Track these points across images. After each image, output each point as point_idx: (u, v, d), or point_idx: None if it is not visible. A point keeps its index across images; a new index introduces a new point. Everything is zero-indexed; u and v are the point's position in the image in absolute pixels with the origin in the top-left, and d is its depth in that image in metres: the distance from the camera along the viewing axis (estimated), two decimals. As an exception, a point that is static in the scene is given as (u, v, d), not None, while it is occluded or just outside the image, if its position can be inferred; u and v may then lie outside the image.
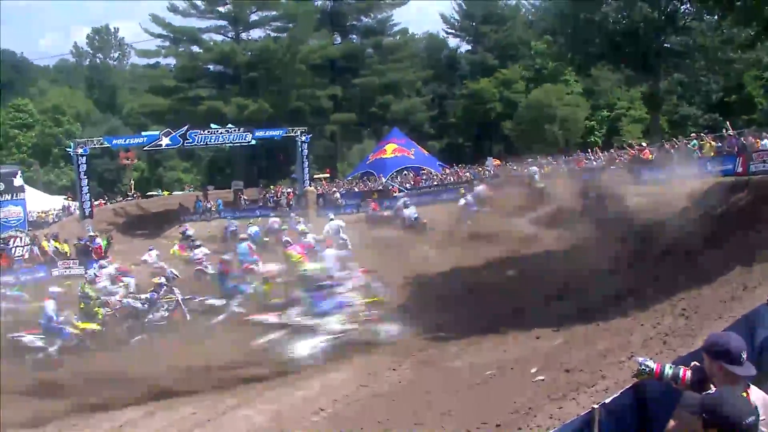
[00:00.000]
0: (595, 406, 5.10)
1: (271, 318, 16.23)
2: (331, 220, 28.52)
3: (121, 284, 21.64)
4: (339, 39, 70.72)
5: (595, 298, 14.64)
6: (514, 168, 45.83)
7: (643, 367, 4.75)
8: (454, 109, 75.83)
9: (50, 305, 17.74)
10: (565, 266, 17.62)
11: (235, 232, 32.94)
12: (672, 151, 32.37)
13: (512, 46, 74.53)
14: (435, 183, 47.49)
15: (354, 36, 72.04)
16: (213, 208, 49.41)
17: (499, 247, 22.59)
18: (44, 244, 33.91)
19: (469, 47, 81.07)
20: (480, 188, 32.03)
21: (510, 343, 13.41)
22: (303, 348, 14.71)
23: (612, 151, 44.19)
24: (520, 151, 55.03)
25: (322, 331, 15.21)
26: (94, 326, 18.35)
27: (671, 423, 4.61)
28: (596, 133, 65.53)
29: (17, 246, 32.03)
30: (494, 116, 69.24)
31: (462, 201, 31.02)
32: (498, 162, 52.34)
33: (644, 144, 37.22)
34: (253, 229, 31.56)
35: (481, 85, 70.17)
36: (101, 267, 23.97)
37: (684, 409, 4.50)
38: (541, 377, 10.84)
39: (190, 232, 33.60)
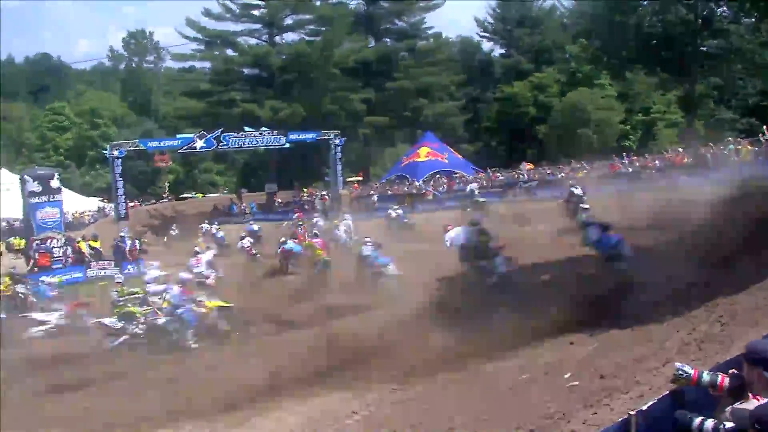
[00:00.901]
0: (632, 412, 5.07)
1: None
2: (345, 220, 32.22)
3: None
4: (373, 42, 70.86)
5: (629, 304, 14.52)
6: (547, 172, 45.67)
7: (680, 372, 4.73)
8: (487, 112, 75.71)
9: (175, 289, 19.02)
10: (598, 272, 17.49)
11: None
12: (708, 155, 32.07)
13: (546, 50, 74.26)
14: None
15: (388, 39, 72.17)
16: (246, 211, 49.72)
17: (530, 252, 22.49)
18: (81, 244, 34.36)
19: (502, 51, 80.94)
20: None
21: (543, 348, 13.33)
22: None
23: (646, 155, 43.86)
24: (554, 156, 54.81)
25: None
26: (223, 303, 19.29)
27: None
28: (631, 137, 64.97)
29: (54, 247, 32.44)
30: (528, 120, 68.96)
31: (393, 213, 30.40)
32: (531, 166, 52.15)
33: (680, 149, 36.92)
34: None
35: (515, 89, 69.96)
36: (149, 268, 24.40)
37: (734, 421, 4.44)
38: (575, 382, 10.77)
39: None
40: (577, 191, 28.41)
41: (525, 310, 15.38)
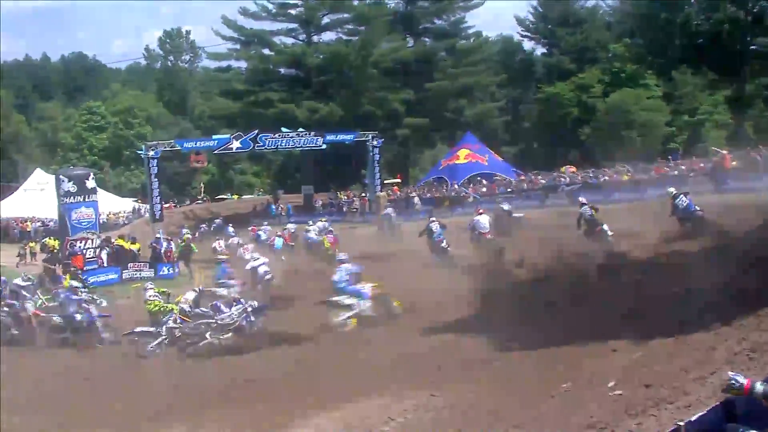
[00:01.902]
0: (681, 422, 5.02)
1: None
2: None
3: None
4: (412, 42, 70.84)
5: (675, 312, 14.36)
6: (590, 175, 45.31)
7: (732, 381, 4.67)
8: (528, 113, 75.38)
9: (344, 269, 20.09)
10: (644, 278, 17.35)
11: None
12: (758, 158, 31.61)
13: (589, 49, 73.68)
14: (509, 190, 47.13)
15: (427, 39, 72.14)
16: (282, 213, 50.01)
17: (575, 259, 22.37)
18: (124, 243, 34.67)
19: (544, 50, 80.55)
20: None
21: (586, 355, 13.23)
22: None
23: (693, 158, 43.35)
24: (597, 158, 54.37)
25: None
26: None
27: None
28: (677, 139, 64.18)
29: (88, 248, 32.75)
30: (570, 121, 68.43)
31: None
32: (574, 168, 51.80)
33: (726, 151, 36.44)
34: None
35: (557, 90, 69.48)
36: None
37: None
38: (619, 391, 10.66)
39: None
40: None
41: (567, 317, 15.31)
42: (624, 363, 12.25)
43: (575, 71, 71.27)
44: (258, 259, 26.71)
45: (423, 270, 26.16)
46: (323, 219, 39.73)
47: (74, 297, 21.75)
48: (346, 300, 19.49)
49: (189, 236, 35.72)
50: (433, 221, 27.61)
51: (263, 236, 36.51)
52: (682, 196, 23.53)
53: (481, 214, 29.22)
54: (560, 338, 14.24)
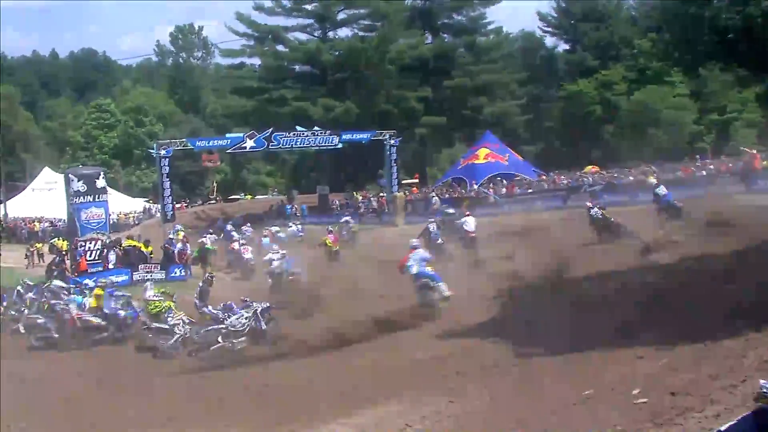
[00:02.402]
0: (709, 432, 4.99)
1: None
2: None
3: None
4: (430, 38, 70.86)
5: (703, 317, 14.26)
6: (614, 175, 45.13)
7: (764, 390, 4.64)
8: (550, 112, 75.21)
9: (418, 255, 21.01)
10: (671, 281, 17.27)
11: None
12: (790, 157, 31.43)
13: (614, 45, 73.48)
14: (530, 190, 47.00)
15: (446, 35, 72.16)
16: (297, 213, 50.05)
17: (598, 260, 22.33)
18: (134, 243, 34.78)
19: (567, 47, 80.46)
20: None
21: (610, 361, 13.14)
22: None
23: (722, 157, 43.10)
24: (621, 157, 54.15)
25: None
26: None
27: None
28: (705, 138, 63.85)
29: (96, 249, 32.75)
30: (593, 120, 68.30)
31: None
32: (597, 168, 51.62)
33: (756, 150, 36.22)
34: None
35: (579, 87, 69.38)
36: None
37: None
38: (644, 399, 10.59)
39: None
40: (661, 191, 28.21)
41: (590, 322, 15.25)
42: (649, 370, 12.18)
43: (599, 68, 71.11)
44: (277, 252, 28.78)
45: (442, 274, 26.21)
46: (298, 223, 43.60)
47: (115, 293, 22.30)
48: (431, 283, 20.27)
49: (207, 239, 36.03)
50: (432, 222, 30.62)
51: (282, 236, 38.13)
52: (662, 186, 26.03)
53: (468, 215, 31.65)
54: (583, 343, 14.18)
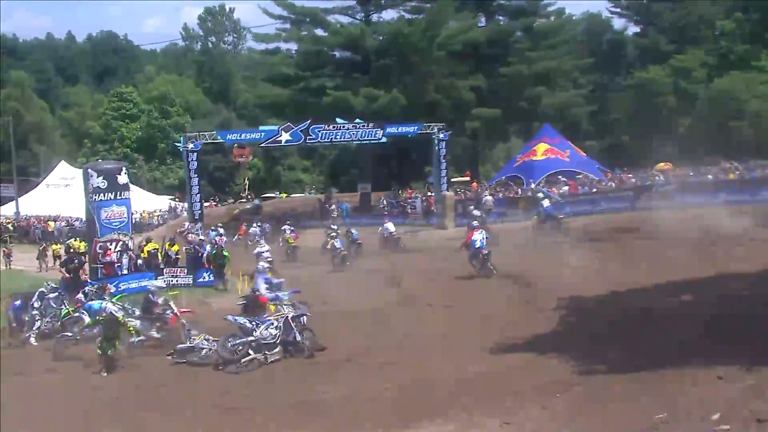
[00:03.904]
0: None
1: None
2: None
3: None
4: (484, 21, 70.50)
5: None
6: (689, 174, 44.67)
7: None
8: (617, 102, 74.61)
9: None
10: (756, 293, 17.11)
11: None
12: None
13: (692, 27, 72.64)
14: (594, 190, 46.70)
15: (501, 17, 71.70)
16: (336, 214, 50.21)
17: (669, 269, 22.20)
18: (154, 246, 35.05)
19: (637, 29, 79.80)
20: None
21: (685, 382, 13.02)
22: None
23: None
24: (697, 154, 53.54)
25: None
26: None
27: None
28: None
29: (118, 251, 32.98)
30: (667, 111, 67.62)
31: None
32: (670, 166, 51.09)
33: None
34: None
35: (651, 74, 68.78)
36: None
37: None
38: (726, 426, 10.48)
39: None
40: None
41: (660, 337, 15.16)
42: (731, 393, 12.03)
43: (674, 53, 70.31)
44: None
45: (492, 282, 26.26)
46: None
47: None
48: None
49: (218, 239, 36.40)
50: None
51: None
52: (546, 199, 29.66)
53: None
54: (654, 361, 14.06)
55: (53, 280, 29.93)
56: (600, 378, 14.04)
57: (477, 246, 27.20)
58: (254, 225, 45.37)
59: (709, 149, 53.06)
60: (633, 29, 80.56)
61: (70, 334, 22.88)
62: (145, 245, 34.97)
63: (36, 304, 24.81)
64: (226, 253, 34.01)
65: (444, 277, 28.43)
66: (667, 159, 55.24)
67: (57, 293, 25.34)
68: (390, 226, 39.40)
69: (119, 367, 19.52)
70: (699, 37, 71.80)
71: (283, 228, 41.94)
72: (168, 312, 22.08)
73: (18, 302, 25.51)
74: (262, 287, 22.93)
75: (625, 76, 75.14)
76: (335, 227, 38.71)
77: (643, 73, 70.07)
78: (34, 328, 24.20)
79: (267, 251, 32.01)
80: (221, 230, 42.24)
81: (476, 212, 37.76)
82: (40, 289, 25.45)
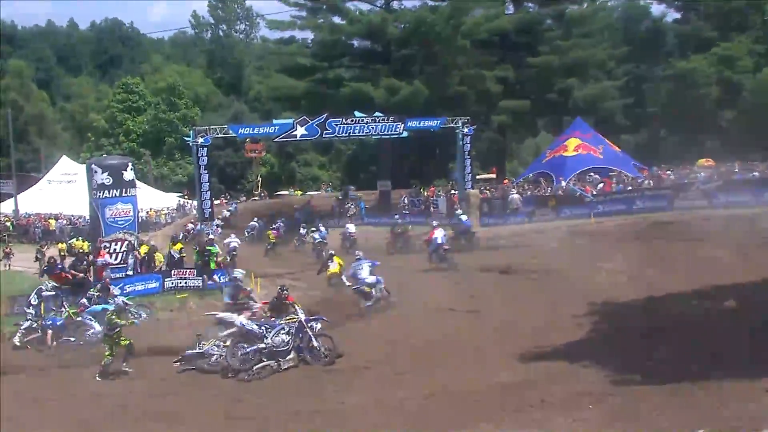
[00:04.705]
0: None
1: None
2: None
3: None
4: (512, 8, 70.27)
5: None
6: (734, 171, 44.43)
7: None
8: (655, 94, 74.19)
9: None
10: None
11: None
12: None
13: (737, 11, 71.94)
14: (629, 188, 46.46)
15: (530, 4, 71.43)
16: (355, 212, 50.21)
17: (711, 273, 22.10)
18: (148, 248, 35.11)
19: (678, 15, 79.23)
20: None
21: (728, 395, 12.95)
22: None
23: None
24: (742, 149, 53.21)
25: None
26: None
27: None
28: None
29: (123, 251, 33.00)
30: (709, 103, 67.16)
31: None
32: (712, 162, 50.82)
33: None
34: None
35: (693, 64, 68.25)
36: None
37: None
38: (775, 444, 10.48)
39: None
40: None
41: (704, 346, 15.08)
42: (780, 406, 12.02)
43: (718, 40, 69.80)
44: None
45: (519, 286, 26.25)
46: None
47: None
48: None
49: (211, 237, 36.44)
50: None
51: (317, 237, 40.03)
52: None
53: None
54: (695, 371, 14.02)
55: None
56: (636, 389, 13.99)
57: (438, 242, 31.84)
58: (255, 219, 49.09)
59: (755, 144, 52.69)
60: (673, 15, 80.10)
61: (72, 338, 23.07)
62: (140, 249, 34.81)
63: (33, 302, 24.97)
64: (212, 248, 33.74)
65: (467, 280, 28.43)
66: (708, 155, 54.96)
67: (55, 293, 25.47)
68: (351, 227, 42.50)
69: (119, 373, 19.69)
70: (746, 23, 71.23)
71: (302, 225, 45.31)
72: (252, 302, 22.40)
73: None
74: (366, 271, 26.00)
75: (663, 66, 74.58)
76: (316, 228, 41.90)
77: (683, 63, 69.54)
78: (21, 328, 24.33)
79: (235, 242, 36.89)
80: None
81: (459, 211, 41.05)
82: (39, 287, 25.63)
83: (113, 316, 20.42)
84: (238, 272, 26.03)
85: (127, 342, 20.09)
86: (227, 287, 25.90)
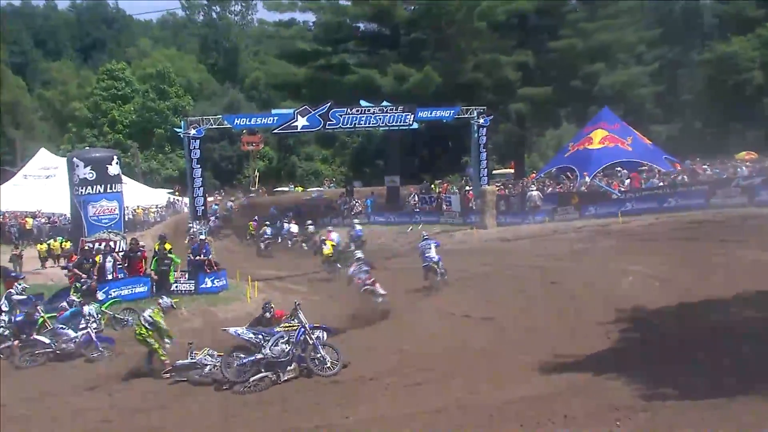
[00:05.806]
0: None
1: None
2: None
3: None
4: (532, -12, 70.29)
5: None
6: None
7: None
8: (690, 81, 74.06)
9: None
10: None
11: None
12: None
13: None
14: (661, 184, 46.38)
15: (552, -17, 71.44)
16: (360, 210, 50.26)
17: (752, 277, 22.07)
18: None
19: (717, -7, 79.09)
20: None
21: (754, 405, 12.99)
22: None
23: None
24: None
25: None
26: None
27: None
28: None
29: (109, 252, 32.96)
30: (752, 90, 66.94)
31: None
32: (754, 155, 50.72)
33: None
34: None
35: (733, 47, 68.07)
36: None
37: None
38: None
39: None
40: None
41: (747, 357, 15.05)
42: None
43: (762, 20, 69.54)
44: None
45: (539, 291, 26.24)
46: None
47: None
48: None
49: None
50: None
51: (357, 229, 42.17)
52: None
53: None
54: (734, 385, 13.99)
55: (55, 285, 30.25)
56: (669, 404, 13.97)
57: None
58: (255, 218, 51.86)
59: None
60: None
61: (50, 346, 23.08)
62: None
63: (4, 308, 24.89)
64: (173, 256, 32.62)
65: (482, 284, 28.45)
66: (750, 147, 54.83)
67: (27, 297, 25.44)
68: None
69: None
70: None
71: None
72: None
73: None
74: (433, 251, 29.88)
75: (700, 50, 74.52)
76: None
77: (723, 46, 69.34)
78: None
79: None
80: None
81: (356, 221, 45.61)
82: (8, 291, 25.61)
83: (158, 318, 20.98)
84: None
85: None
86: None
